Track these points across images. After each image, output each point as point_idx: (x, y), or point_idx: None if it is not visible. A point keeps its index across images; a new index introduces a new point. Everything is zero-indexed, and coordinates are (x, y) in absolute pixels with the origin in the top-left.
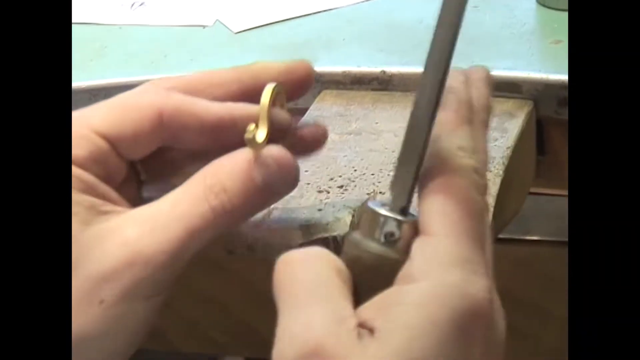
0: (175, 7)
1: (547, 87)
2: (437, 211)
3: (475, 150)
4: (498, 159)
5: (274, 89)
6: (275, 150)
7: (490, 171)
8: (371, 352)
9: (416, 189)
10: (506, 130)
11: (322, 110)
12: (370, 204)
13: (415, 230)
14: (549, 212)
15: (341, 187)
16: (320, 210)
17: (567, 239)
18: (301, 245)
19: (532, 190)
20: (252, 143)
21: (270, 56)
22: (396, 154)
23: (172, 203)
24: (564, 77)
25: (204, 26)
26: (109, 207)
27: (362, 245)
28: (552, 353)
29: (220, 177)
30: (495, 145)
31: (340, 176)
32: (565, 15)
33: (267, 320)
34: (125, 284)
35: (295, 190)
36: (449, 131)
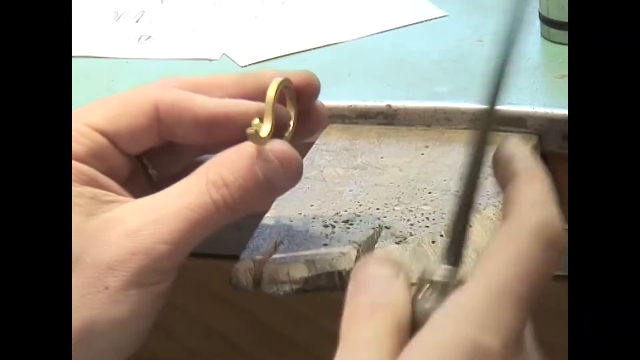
0: (182, 41)
1: (551, 122)
2: (487, 268)
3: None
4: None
5: (280, 83)
6: (278, 145)
7: (495, 206)
8: None
9: None
10: None
11: (327, 144)
12: (436, 275)
13: None
14: None
15: (346, 221)
16: (325, 245)
17: None
18: (307, 280)
19: None
20: (255, 138)
21: None
22: (401, 189)
23: (174, 195)
24: None
25: (210, 60)
26: (111, 197)
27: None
28: None
29: (222, 171)
30: None
31: (345, 211)
32: None
33: (272, 353)
34: (129, 272)
35: (301, 224)
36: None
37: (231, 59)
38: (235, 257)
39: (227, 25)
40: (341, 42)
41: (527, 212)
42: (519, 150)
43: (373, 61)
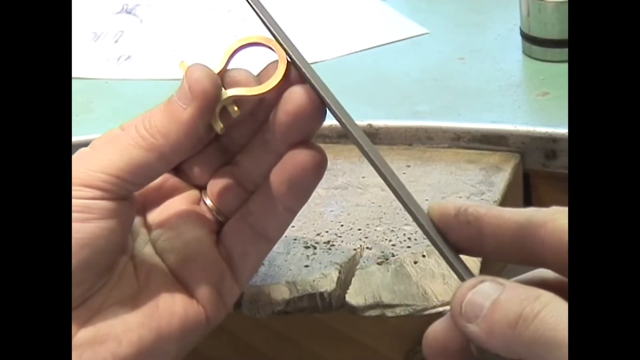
0: (161, 61)
1: (533, 140)
2: None
3: None
4: None
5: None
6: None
7: None
8: None
9: None
10: (493, 183)
11: None
12: None
13: None
14: None
15: (328, 242)
16: (306, 266)
17: None
18: (288, 302)
19: None
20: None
21: None
22: (383, 209)
23: None
24: (551, 129)
25: None
26: None
27: None
28: None
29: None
30: (482, 199)
31: (327, 231)
32: (552, 67)
33: None
34: None
35: (282, 246)
36: None
37: None
38: None
39: (207, 45)
40: (322, 61)
41: None
42: None
43: (354, 80)
